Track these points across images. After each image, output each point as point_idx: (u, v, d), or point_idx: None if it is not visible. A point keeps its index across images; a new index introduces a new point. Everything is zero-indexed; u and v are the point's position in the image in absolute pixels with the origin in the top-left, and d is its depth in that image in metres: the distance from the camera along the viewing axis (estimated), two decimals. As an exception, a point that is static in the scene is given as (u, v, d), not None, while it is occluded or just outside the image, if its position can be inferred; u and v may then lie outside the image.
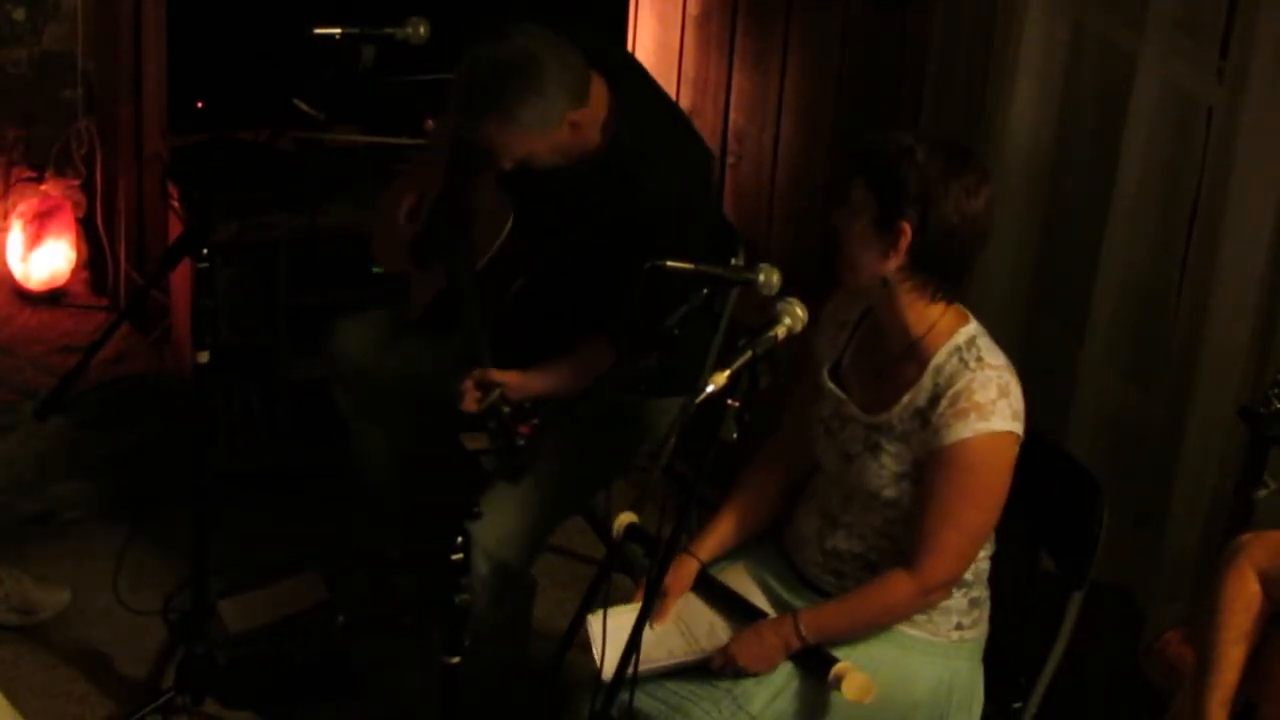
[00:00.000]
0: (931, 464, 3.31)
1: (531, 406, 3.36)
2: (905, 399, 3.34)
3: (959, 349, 3.32)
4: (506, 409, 3.46)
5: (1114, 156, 3.88)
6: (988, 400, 3.27)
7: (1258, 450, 3.31)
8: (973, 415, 3.27)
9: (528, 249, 3.98)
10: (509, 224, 3.97)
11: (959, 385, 3.28)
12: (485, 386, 3.72)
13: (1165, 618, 3.66)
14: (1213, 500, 3.69)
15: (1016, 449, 3.33)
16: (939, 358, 3.32)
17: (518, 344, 3.93)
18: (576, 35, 3.82)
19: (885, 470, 3.36)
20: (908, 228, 3.25)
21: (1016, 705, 3.57)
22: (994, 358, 3.32)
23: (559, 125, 3.73)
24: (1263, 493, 3.33)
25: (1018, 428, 3.31)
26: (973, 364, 3.30)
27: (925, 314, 3.34)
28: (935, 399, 3.30)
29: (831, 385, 3.47)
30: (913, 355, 3.35)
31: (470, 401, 3.74)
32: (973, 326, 3.36)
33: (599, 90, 3.80)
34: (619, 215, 3.79)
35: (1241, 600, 3.01)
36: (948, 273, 3.32)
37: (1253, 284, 3.60)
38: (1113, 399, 3.99)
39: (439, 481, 4.30)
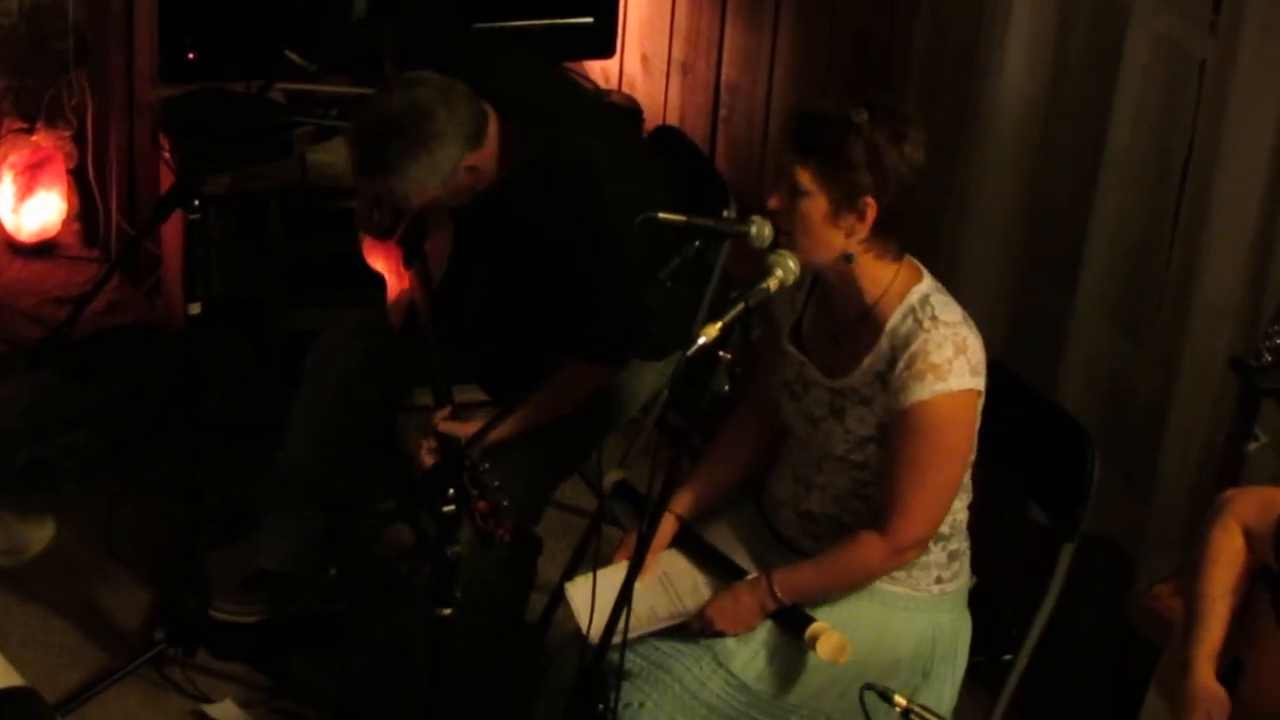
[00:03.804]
0: (893, 427, 3.29)
1: (491, 468, 3.29)
2: (865, 363, 3.32)
3: (913, 309, 3.29)
4: (466, 474, 3.42)
5: (1106, 110, 3.87)
6: (944, 360, 3.24)
7: (1248, 403, 3.31)
8: (930, 376, 3.24)
9: (473, 265, 3.98)
10: (450, 242, 3.97)
11: (914, 346, 3.25)
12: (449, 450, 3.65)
13: (1156, 571, 3.67)
14: (1203, 453, 3.69)
15: (978, 404, 3.31)
16: (894, 320, 3.29)
17: (485, 355, 3.92)
18: (462, 52, 3.82)
19: (851, 434, 3.35)
20: (871, 201, 3.21)
21: (1007, 657, 3.59)
22: (948, 314, 3.29)
23: (454, 174, 3.69)
24: (1253, 445, 3.34)
25: (977, 383, 3.29)
26: (927, 323, 3.27)
27: (880, 276, 3.30)
28: (893, 361, 3.28)
29: (792, 348, 3.46)
30: (869, 319, 3.32)
31: (428, 458, 3.73)
32: (926, 284, 3.32)
33: (492, 121, 3.75)
34: (546, 227, 3.78)
35: (1227, 555, 3.02)
36: (906, 228, 3.29)
37: (1244, 236, 3.60)
38: (1104, 352, 4.00)
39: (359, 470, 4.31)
